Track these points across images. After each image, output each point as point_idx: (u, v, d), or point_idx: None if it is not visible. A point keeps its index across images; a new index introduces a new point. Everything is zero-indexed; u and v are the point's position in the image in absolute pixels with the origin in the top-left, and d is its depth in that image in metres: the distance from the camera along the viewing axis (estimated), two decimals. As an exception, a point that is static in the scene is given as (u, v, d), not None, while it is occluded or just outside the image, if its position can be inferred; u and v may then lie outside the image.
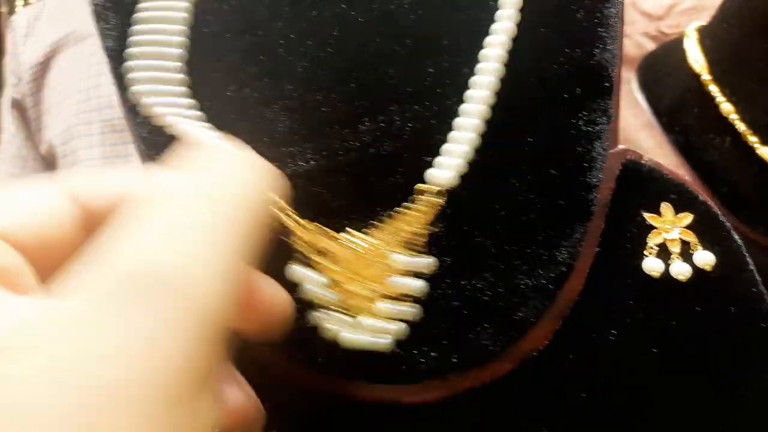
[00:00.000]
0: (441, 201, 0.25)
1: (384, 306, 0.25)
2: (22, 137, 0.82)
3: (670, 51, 0.50)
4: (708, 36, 0.48)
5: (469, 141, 0.26)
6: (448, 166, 0.26)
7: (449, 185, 0.26)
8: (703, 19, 0.50)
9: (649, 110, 0.50)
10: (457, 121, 0.26)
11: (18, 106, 0.82)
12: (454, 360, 0.26)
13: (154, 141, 0.28)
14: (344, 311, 0.25)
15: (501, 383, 0.26)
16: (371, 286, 0.25)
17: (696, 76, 0.47)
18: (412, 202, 0.26)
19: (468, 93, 0.26)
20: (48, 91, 0.79)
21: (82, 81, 0.76)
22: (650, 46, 0.55)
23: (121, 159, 0.75)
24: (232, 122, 0.28)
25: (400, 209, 0.26)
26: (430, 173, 0.26)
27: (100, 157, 0.75)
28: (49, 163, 0.80)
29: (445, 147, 0.26)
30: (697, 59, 0.47)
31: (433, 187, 0.26)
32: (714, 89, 0.46)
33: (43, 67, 0.79)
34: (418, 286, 0.25)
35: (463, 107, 0.26)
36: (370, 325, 0.25)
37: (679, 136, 0.48)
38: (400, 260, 0.25)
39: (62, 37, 0.79)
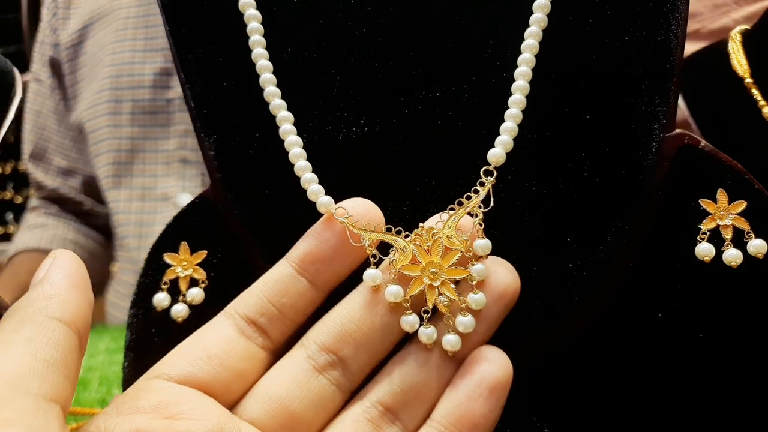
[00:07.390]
0: (492, 180, 0.25)
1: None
2: (59, 96, 0.83)
3: (712, 53, 0.50)
4: (752, 40, 0.47)
5: (520, 118, 0.26)
6: (499, 143, 0.26)
7: (499, 163, 0.25)
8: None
9: (687, 111, 0.49)
10: (514, 98, 0.26)
11: (56, 67, 0.82)
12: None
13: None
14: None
15: (540, 361, 0.26)
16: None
17: (739, 80, 0.46)
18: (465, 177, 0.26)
19: (523, 69, 0.26)
20: (84, 58, 0.79)
21: (115, 55, 0.75)
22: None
23: (150, 141, 0.74)
24: (285, 85, 0.28)
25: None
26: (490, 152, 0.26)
27: (129, 137, 0.74)
28: (78, 133, 0.80)
29: (502, 125, 0.26)
30: (740, 62, 0.47)
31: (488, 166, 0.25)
32: (756, 93, 0.45)
33: (81, 35, 0.79)
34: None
35: (518, 83, 0.26)
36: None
37: (717, 138, 0.47)
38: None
39: (101, 6, 0.79)
